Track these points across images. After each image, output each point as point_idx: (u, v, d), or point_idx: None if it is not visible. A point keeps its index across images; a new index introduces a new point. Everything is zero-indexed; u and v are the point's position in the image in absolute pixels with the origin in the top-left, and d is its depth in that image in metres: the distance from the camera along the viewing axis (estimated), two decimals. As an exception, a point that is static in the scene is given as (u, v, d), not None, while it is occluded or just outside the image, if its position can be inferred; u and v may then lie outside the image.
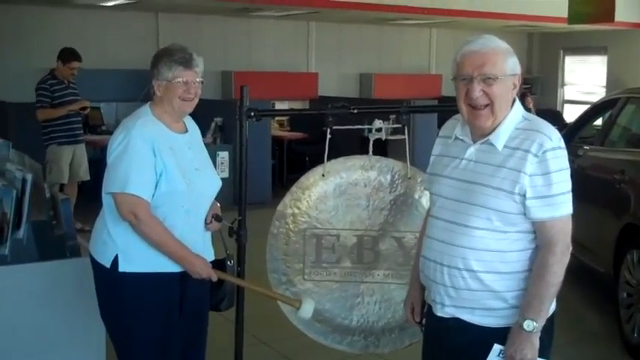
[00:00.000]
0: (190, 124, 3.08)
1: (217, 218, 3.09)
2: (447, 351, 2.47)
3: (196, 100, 2.96)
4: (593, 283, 5.75)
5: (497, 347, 2.33)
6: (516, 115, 2.36)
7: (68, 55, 7.39)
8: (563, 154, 2.30)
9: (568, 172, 2.31)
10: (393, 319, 3.33)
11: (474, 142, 2.40)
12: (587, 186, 5.38)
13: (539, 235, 2.31)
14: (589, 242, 5.48)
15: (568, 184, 2.30)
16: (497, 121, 2.34)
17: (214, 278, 2.93)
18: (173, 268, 2.87)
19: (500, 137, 2.33)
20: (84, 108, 7.53)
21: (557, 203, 2.27)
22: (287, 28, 11.95)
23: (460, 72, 2.35)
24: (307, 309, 3.07)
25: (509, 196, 2.28)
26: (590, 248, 5.51)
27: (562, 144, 2.31)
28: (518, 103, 2.40)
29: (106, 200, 2.88)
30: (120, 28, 10.41)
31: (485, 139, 2.36)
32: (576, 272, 5.65)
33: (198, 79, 2.92)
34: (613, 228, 4.98)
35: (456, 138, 2.46)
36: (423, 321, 2.66)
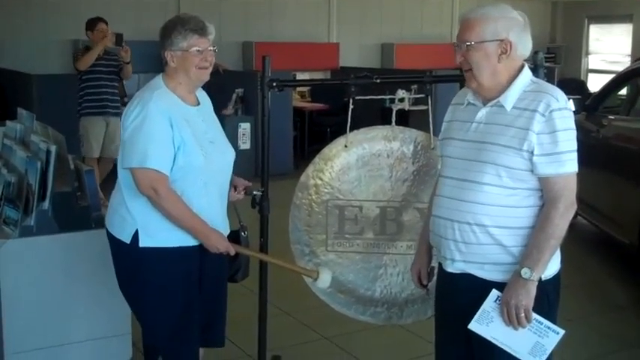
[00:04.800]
0: (202, 96, 3.04)
1: (249, 192, 3.16)
2: (457, 306, 2.53)
3: (211, 68, 2.93)
4: (616, 254, 5.71)
5: (494, 292, 2.40)
6: (525, 78, 2.45)
7: (91, 21, 7.18)
8: (569, 114, 2.38)
9: (574, 132, 2.38)
10: (416, 291, 3.30)
11: (485, 105, 2.48)
12: (612, 156, 5.33)
13: (545, 191, 2.39)
14: (613, 213, 5.44)
15: (573, 144, 2.37)
16: (481, 85, 2.44)
17: (232, 252, 2.92)
18: (192, 241, 2.86)
19: (509, 99, 2.42)
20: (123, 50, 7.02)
21: (563, 160, 2.35)
22: (308, -2, 11.89)
23: None
24: (325, 279, 3.08)
25: (518, 152, 2.36)
26: (614, 219, 5.46)
27: (568, 105, 2.39)
28: (526, 67, 2.48)
29: (123, 175, 2.85)
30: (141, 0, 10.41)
31: (496, 101, 2.44)
32: (601, 244, 5.65)
33: (212, 47, 2.90)
34: (637, 198, 4.93)
35: (469, 103, 2.54)
36: (429, 285, 2.77)
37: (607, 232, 5.53)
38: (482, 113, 2.47)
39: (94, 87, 7.01)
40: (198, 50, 2.85)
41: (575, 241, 2.31)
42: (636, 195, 5.00)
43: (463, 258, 2.47)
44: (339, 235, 3.39)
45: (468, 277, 2.47)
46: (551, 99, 2.36)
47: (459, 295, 2.51)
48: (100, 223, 3.61)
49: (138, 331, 3.61)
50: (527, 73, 2.47)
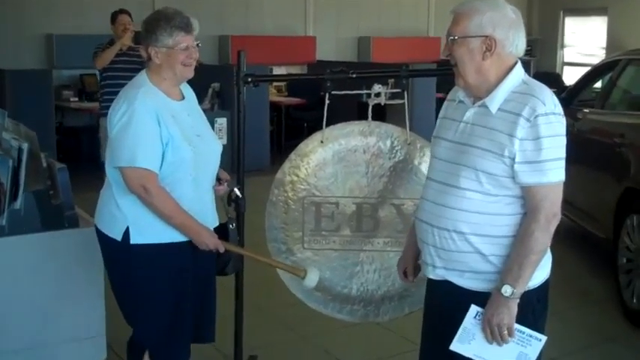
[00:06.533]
0: (186, 90, 3.03)
1: (230, 185, 3.14)
2: (439, 313, 2.49)
3: (194, 64, 2.91)
4: (593, 249, 5.75)
5: (474, 308, 2.33)
6: (515, 78, 2.32)
7: (114, 13, 6.83)
8: (557, 119, 2.26)
9: (561, 139, 2.27)
10: (393, 288, 3.32)
11: (473, 104, 2.38)
12: (587, 150, 5.35)
13: (526, 200, 2.29)
14: (589, 207, 5.47)
15: (560, 151, 2.26)
16: (467, 82, 2.34)
17: (222, 249, 2.92)
18: (184, 237, 2.86)
19: (495, 100, 2.30)
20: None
21: (545, 169, 2.24)
22: (284, -9, 11.84)
23: None
24: (312, 278, 3.06)
25: (499, 158, 2.25)
26: (590, 213, 5.50)
27: (557, 109, 2.27)
28: (519, 66, 2.35)
29: (112, 173, 2.85)
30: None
31: (482, 101, 2.33)
32: (576, 238, 5.68)
33: (195, 43, 2.89)
34: (613, 193, 4.95)
35: (459, 101, 2.44)
36: (415, 280, 2.70)
37: (584, 227, 5.56)
38: (470, 113, 2.36)
39: (113, 85, 6.34)
40: (184, 47, 2.83)
41: (553, 236, 2.29)
42: (611, 190, 5.02)
43: (443, 265, 2.39)
44: (315, 232, 3.37)
45: (448, 285, 2.40)
46: (537, 103, 2.23)
47: (441, 302, 2.46)
48: (73, 222, 3.58)
49: (113, 332, 3.59)
50: (517, 73, 2.33)
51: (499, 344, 2.30)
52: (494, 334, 2.29)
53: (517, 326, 2.30)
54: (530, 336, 2.32)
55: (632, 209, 4.72)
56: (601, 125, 5.60)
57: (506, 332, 2.28)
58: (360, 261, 3.36)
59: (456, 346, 2.35)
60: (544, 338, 2.33)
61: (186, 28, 2.84)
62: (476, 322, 2.33)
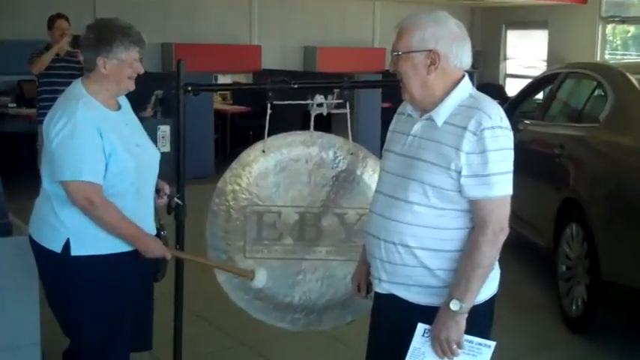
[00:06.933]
0: (122, 99, 2.97)
1: (169, 195, 3.10)
2: (385, 328, 2.47)
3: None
4: (534, 257, 5.83)
5: (421, 326, 2.30)
6: (462, 92, 2.32)
7: (51, 17, 6.71)
8: (504, 133, 2.25)
9: (508, 153, 2.26)
10: (335, 297, 3.30)
11: (420, 118, 2.37)
12: (528, 160, 5.42)
13: (474, 214, 2.28)
14: (530, 216, 5.54)
15: (506, 165, 2.25)
16: (412, 96, 2.34)
17: (169, 257, 2.91)
18: (126, 247, 2.82)
19: (441, 113, 2.29)
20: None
21: (492, 183, 2.22)
22: (229, -1, 11.79)
23: None
24: (260, 278, 3.06)
25: (445, 172, 2.24)
26: (531, 222, 5.57)
27: (504, 123, 2.26)
28: (466, 80, 2.35)
29: (51, 186, 2.77)
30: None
31: (428, 115, 2.33)
32: (517, 246, 5.74)
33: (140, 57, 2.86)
34: (553, 202, 5.03)
35: (408, 115, 2.43)
36: (369, 295, 2.64)
37: (525, 236, 5.64)
38: (418, 127, 2.35)
39: (50, 92, 6.22)
40: (134, 62, 2.80)
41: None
42: (551, 199, 5.11)
43: (389, 278, 2.38)
44: (257, 241, 3.34)
45: (393, 298, 2.38)
46: (483, 116, 2.22)
47: (386, 316, 2.44)
48: (6, 231, 3.48)
49: (48, 341, 3.50)
50: (464, 87, 2.32)
51: (450, 359, 2.28)
52: (444, 349, 2.27)
53: (466, 336, 2.28)
54: (480, 344, 2.31)
55: (571, 218, 4.80)
56: (541, 136, 5.69)
57: (455, 347, 2.26)
58: (302, 270, 3.33)
59: None
60: (493, 344, 2.33)
61: (141, 43, 2.81)
62: (424, 340, 2.30)
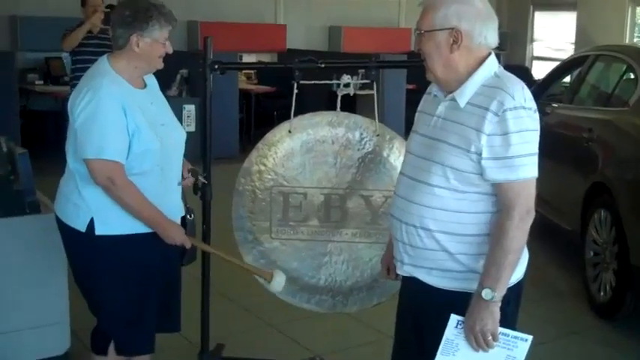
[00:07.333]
0: (148, 77, 2.94)
1: (194, 173, 3.06)
2: (408, 310, 2.46)
3: None
4: (561, 242, 5.77)
5: (454, 318, 2.23)
6: (487, 70, 2.25)
7: None
8: (528, 114, 2.18)
9: (532, 134, 2.19)
10: (361, 279, 3.30)
11: (445, 98, 2.32)
12: (555, 144, 5.36)
13: (499, 198, 2.22)
14: (557, 201, 5.49)
15: (530, 147, 2.18)
16: (436, 76, 2.29)
17: (188, 245, 2.88)
18: (149, 228, 2.80)
19: (465, 94, 2.23)
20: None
21: (515, 165, 2.16)
22: (255, -23, 11.73)
23: None
24: (279, 281, 3.05)
25: (466, 154, 2.19)
26: (558, 207, 5.52)
27: (528, 104, 2.18)
28: (492, 58, 2.28)
29: (75, 164, 2.76)
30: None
31: (451, 95, 2.27)
32: (544, 231, 5.69)
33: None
34: (581, 187, 4.97)
35: (434, 95, 2.38)
36: (399, 277, 2.58)
37: (551, 220, 5.59)
38: (442, 107, 2.29)
39: (81, 70, 5.99)
40: (165, 41, 2.77)
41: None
42: (578, 183, 5.05)
43: (411, 261, 2.35)
44: (283, 222, 3.33)
45: (415, 281, 2.35)
46: (505, 97, 2.15)
47: (410, 298, 2.42)
48: (34, 208, 3.50)
49: (78, 320, 3.52)
50: (489, 66, 2.25)
51: (485, 351, 2.22)
52: (479, 341, 2.20)
53: (501, 329, 2.22)
54: (516, 337, 2.24)
55: (599, 203, 4.74)
56: (569, 120, 5.62)
57: (490, 338, 2.20)
58: (328, 251, 3.33)
59: (440, 358, 2.25)
60: (530, 338, 2.25)
61: (174, 22, 2.78)
62: (458, 332, 2.24)
